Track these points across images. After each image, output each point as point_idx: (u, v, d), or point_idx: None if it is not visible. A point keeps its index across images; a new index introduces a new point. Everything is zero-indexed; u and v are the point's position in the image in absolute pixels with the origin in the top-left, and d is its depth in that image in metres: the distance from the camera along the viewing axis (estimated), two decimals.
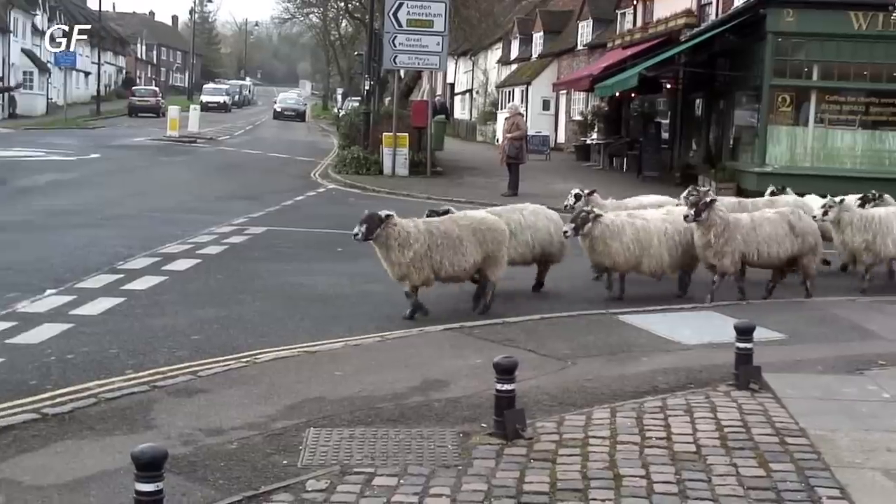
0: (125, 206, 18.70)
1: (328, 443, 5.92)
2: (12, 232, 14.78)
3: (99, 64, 70.47)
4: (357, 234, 9.37)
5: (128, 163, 29.16)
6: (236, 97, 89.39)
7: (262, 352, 8.35)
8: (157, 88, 77.78)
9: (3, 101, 48.11)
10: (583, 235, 10.73)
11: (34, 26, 66.24)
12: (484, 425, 6.14)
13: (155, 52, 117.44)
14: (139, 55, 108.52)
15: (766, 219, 11.12)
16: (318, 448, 5.83)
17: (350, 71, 73.17)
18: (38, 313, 9.56)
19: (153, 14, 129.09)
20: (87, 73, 75.84)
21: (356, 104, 42.70)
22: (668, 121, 32.65)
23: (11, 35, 59.21)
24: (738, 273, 11.16)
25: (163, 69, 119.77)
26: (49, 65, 63.76)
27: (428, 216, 10.24)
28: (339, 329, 9.39)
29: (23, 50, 62.10)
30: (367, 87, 31.20)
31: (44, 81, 63.55)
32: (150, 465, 4.23)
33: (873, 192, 13.51)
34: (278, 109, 71.51)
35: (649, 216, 11.35)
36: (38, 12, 66.97)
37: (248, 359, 8.08)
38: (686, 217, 10.69)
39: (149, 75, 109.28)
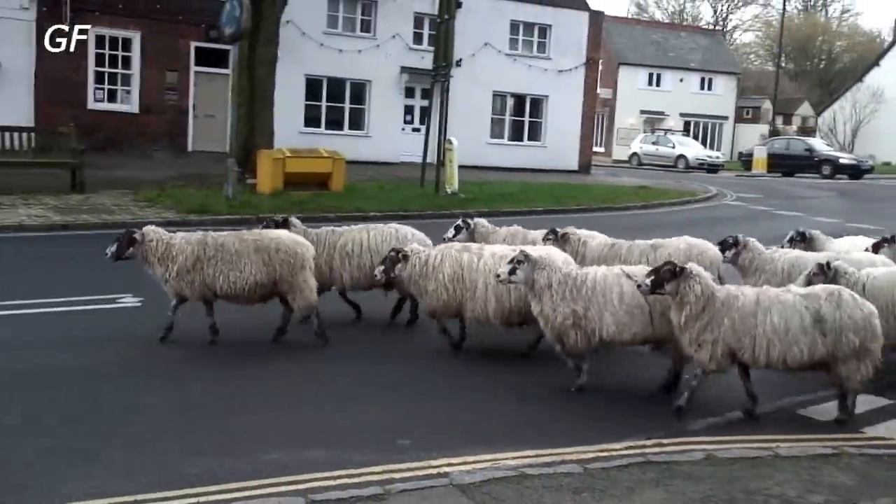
0: None
1: None
2: None
3: None
4: (107, 254, 8.98)
5: None
6: None
7: None
8: None
9: None
10: (408, 279, 9.03)
11: None
12: None
13: None
14: None
15: (779, 301, 7.15)
16: None
17: None
18: None
19: None
20: None
21: None
22: None
23: None
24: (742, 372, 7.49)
25: None
26: None
27: (265, 227, 9.87)
28: None
29: None
30: None
31: None
32: None
33: None
34: None
35: (487, 250, 8.99)
36: None
37: None
38: (639, 287, 7.27)
39: None
